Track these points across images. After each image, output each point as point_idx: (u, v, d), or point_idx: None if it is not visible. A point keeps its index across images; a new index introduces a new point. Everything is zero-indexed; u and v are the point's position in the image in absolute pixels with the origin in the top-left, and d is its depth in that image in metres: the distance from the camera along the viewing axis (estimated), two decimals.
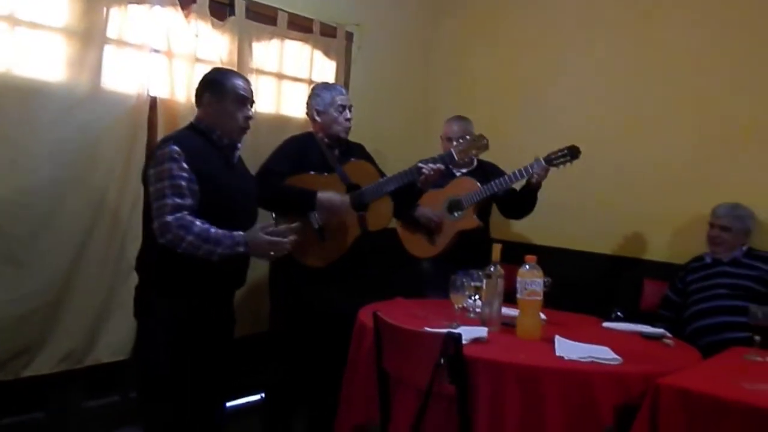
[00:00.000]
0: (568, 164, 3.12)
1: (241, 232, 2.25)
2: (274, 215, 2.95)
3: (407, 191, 2.98)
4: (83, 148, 2.77)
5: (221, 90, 2.37)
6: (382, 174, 3.05)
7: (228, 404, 3.20)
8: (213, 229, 2.20)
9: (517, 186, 3.30)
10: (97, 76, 2.80)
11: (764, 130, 3.27)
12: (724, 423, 1.70)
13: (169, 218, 2.16)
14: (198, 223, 2.19)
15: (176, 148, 2.22)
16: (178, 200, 2.18)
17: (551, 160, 3.12)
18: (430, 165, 2.92)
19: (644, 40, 3.68)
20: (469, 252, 3.05)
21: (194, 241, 2.16)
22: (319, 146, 3.03)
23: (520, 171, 3.17)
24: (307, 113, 3.13)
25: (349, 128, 3.07)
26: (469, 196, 3.28)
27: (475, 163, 3.48)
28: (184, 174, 2.21)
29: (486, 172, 3.41)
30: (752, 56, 3.32)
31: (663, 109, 3.59)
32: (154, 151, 2.31)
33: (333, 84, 3.36)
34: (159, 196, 2.19)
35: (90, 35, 2.76)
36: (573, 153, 3.11)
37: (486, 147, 2.99)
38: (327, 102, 3.03)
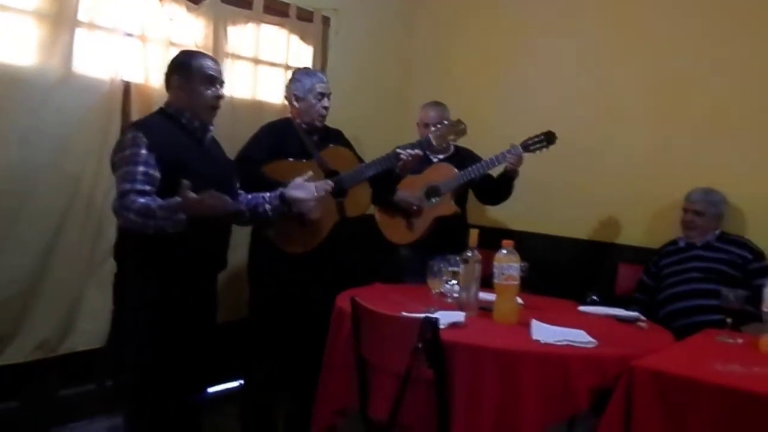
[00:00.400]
0: (545, 150, 3.15)
1: (177, 198, 2.12)
2: None
3: (385, 177, 2.98)
4: (56, 134, 2.72)
5: (188, 70, 2.36)
6: (360, 160, 3.04)
7: (208, 391, 3.20)
8: (154, 203, 2.14)
9: (495, 172, 3.31)
10: (68, 61, 2.75)
11: (737, 114, 3.31)
12: (697, 403, 1.73)
13: (116, 203, 2.17)
14: (141, 200, 2.14)
15: (139, 133, 2.22)
16: (127, 185, 2.16)
17: (527, 146, 3.15)
18: (408, 150, 2.92)
19: (619, 25, 3.70)
20: (447, 238, 3.06)
21: (136, 219, 2.13)
22: (297, 132, 3.01)
23: (497, 157, 3.19)
24: (285, 97, 3.10)
25: (325, 116, 3.05)
26: (446, 183, 3.29)
27: (452, 149, 3.48)
28: (141, 159, 2.19)
29: (463, 158, 3.42)
30: (726, 39, 3.36)
31: (638, 94, 3.62)
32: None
33: (314, 71, 3.32)
34: (116, 183, 2.21)
35: (61, 18, 2.71)
36: (549, 139, 3.14)
37: (464, 132, 3.00)
38: (307, 88, 3.00)
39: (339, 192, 2.93)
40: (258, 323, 3.03)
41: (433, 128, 3.03)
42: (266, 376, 3.05)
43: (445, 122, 3.05)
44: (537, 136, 3.15)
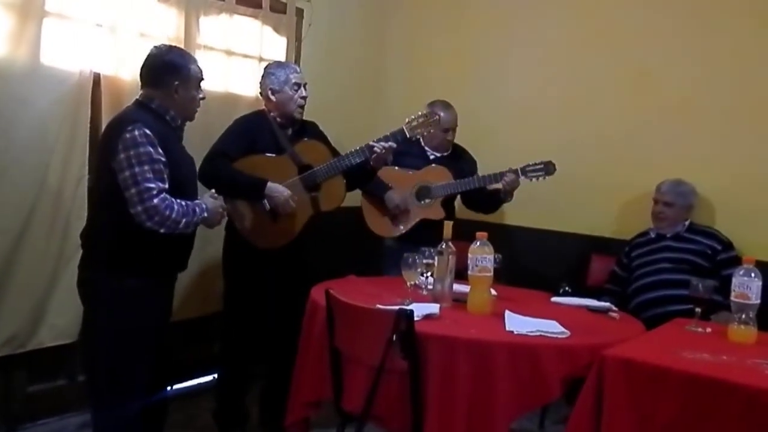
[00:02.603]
0: (541, 179, 3.22)
1: (197, 200, 2.36)
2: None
3: (360, 170, 2.98)
4: (23, 126, 2.66)
5: (186, 75, 2.36)
6: (335, 152, 3.03)
7: (181, 385, 3.19)
8: (184, 202, 2.27)
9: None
10: (36, 52, 2.68)
11: (706, 106, 3.35)
12: (664, 390, 1.76)
13: (156, 201, 2.17)
14: (175, 199, 2.24)
15: (146, 130, 2.21)
16: (161, 184, 2.20)
17: (526, 172, 3.23)
18: (382, 143, 2.92)
19: (591, 17, 3.72)
20: (434, 232, 3.07)
21: (176, 217, 2.21)
22: (271, 126, 2.99)
23: (494, 175, 3.27)
24: (260, 93, 3.08)
25: (304, 106, 3.04)
26: (439, 188, 3.33)
27: (450, 149, 3.49)
28: (162, 158, 2.22)
29: (459, 159, 3.47)
30: (695, 30, 3.40)
31: (608, 87, 3.65)
32: (115, 133, 2.22)
33: (286, 62, 3.31)
34: (141, 180, 2.17)
35: (28, 8, 2.64)
36: (548, 169, 3.23)
37: (437, 123, 3.03)
38: (282, 80, 2.98)
39: (313, 186, 2.93)
40: (232, 317, 3.02)
41: (407, 120, 3.03)
42: (240, 369, 3.04)
43: (419, 113, 3.05)
44: (537, 163, 3.23)
